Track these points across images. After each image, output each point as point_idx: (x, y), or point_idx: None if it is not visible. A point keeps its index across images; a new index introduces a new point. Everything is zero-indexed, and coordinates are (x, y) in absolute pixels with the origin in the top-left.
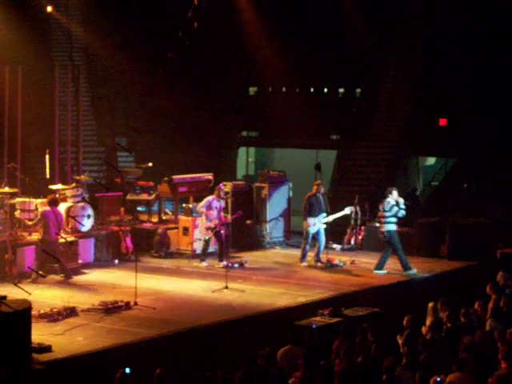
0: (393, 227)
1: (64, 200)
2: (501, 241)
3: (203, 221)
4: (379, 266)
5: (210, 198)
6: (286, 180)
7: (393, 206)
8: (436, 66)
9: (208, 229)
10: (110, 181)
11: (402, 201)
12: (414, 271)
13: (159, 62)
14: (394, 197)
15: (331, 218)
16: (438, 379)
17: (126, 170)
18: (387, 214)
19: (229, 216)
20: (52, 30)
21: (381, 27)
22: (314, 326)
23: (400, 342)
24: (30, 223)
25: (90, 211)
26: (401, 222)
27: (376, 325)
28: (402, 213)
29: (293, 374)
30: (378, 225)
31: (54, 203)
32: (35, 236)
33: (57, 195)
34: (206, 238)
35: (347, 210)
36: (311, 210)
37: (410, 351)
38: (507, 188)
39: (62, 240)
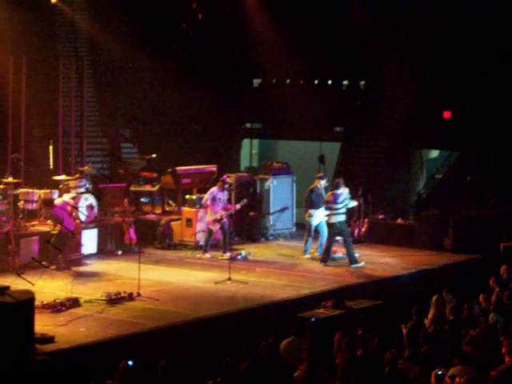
0: (343, 218)
1: (67, 191)
2: (504, 234)
3: (209, 214)
4: (353, 260)
5: (213, 189)
6: (290, 172)
7: (344, 198)
8: (440, 59)
9: (215, 221)
10: (113, 172)
11: (347, 191)
12: (361, 264)
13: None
14: (343, 188)
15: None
16: (440, 372)
17: (130, 161)
18: (339, 205)
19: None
20: (56, 21)
21: (385, 19)
22: (313, 319)
23: (404, 331)
24: (48, 222)
25: (93, 202)
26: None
27: (378, 317)
28: (352, 204)
29: (297, 367)
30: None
31: (49, 203)
32: (38, 227)
33: (49, 191)
34: (212, 229)
35: (351, 204)
36: (313, 203)
37: (412, 344)
38: (510, 181)
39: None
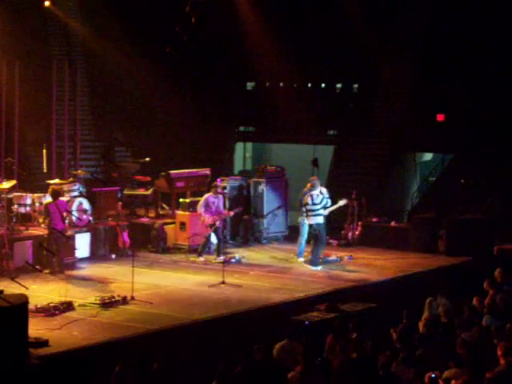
0: (322, 220)
1: (61, 195)
2: (498, 237)
3: (203, 219)
4: (314, 262)
5: (206, 195)
6: (284, 175)
7: (322, 198)
8: (433, 62)
9: (207, 226)
10: (107, 175)
11: (325, 190)
12: (320, 267)
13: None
14: (320, 188)
15: (327, 211)
16: (433, 375)
17: (123, 164)
18: (318, 206)
19: (227, 210)
20: (49, 25)
21: (379, 23)
22: (306, 323)
23: (394, 336)
24: (40, 220)
25: (86, 206)
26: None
27: (371, 320)
28: (329, 202)
29: (292, 368)
30: (304, 219)
31: (55, 195)
32: (32, 230)
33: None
34: (207, 234)
35: (341, 202)
36: None
37: (406, 346)
38: (504, 184)
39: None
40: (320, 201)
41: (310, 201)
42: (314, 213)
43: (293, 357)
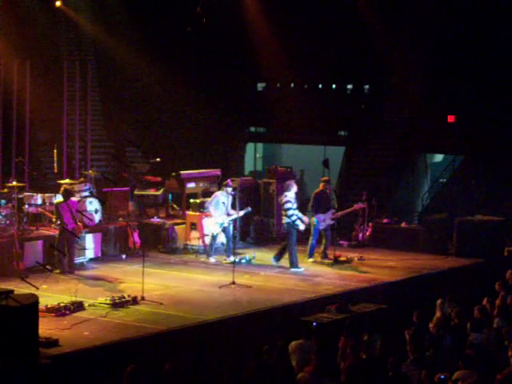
0: (290, 220)
1: (73, 194)
2: (509, 238)
3: (212, 217)
4: (293, 264)
5: (217, 193)
6: (294, 176)
7: (289, 199)
8: (444, 63)
9: (216, 224)
10: (117, 175)
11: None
12: (302, 269)
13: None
14: (296, 189)
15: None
16: (442, 376)
17: (134, 164)
18: (295, 206)
19: (237, 210)
20: (60, 25)
21: (390, 24)
22: (314, 324)
23: (407, 337)
24: (53, 219)
25: (97, 206)
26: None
27: (382, 321)
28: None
29: (303, 369)
30: (315, 220)
31: (67, 195)
32: (43, 230)
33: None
34: (215, 233)
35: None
36: (319, 207)
37: (416, 348)
38: None
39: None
40: (295, 201)
41: (286, 201)
42: (293, 213)
43: (307, 356)
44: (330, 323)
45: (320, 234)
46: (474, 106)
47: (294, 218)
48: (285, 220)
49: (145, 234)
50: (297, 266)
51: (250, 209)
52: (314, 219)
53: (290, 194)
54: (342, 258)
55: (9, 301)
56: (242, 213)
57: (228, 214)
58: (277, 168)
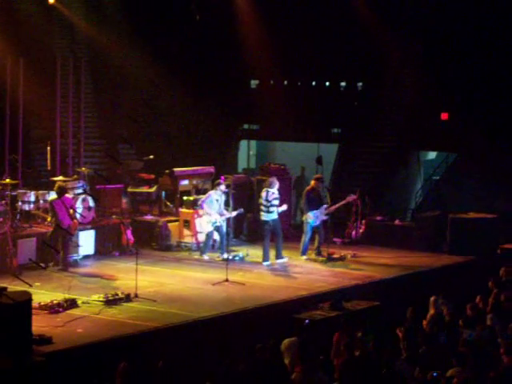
0: (276, 216)
1: (67, 191)
2: (502, 236)
3: (205, 215)
4: (277, 257)
5: (210, 192)
6: (287, 173)
7: (275, 198)
8: (438, 61)
9: (209, 222)
10: (111, 173)
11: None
12: (270, 263)
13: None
14: (278, 185)
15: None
16: (435, 374)
17: (127, 162)
18: (268, 203)
19: (230, 210)
20: (54, 22)
21: (384, 21)
22: (306, 322)
23: (400, 335)
24: (48, 218)
25: (90, 203)
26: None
27: (375, 318)
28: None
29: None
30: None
31: (61, 192)
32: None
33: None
34: (208, 231)
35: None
36: (311, 204)
37: (409, 345)
38: (507, 182)
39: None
40: (275, 198)
41: (264, 196)
42: (271, 209)
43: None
44: (322, 320)
45: (313, 231)
46: (467, 103)
47: (275, 215)
48: (271, 216)
49: (138, 231)
50: (268, 260)
51: (242, 210)
52: (308, 217)
53: (274, 191)
54: (336, 256)
55: (2, 298)
56: (234, 213)
57: (221, 214)
58: (270, 165)
